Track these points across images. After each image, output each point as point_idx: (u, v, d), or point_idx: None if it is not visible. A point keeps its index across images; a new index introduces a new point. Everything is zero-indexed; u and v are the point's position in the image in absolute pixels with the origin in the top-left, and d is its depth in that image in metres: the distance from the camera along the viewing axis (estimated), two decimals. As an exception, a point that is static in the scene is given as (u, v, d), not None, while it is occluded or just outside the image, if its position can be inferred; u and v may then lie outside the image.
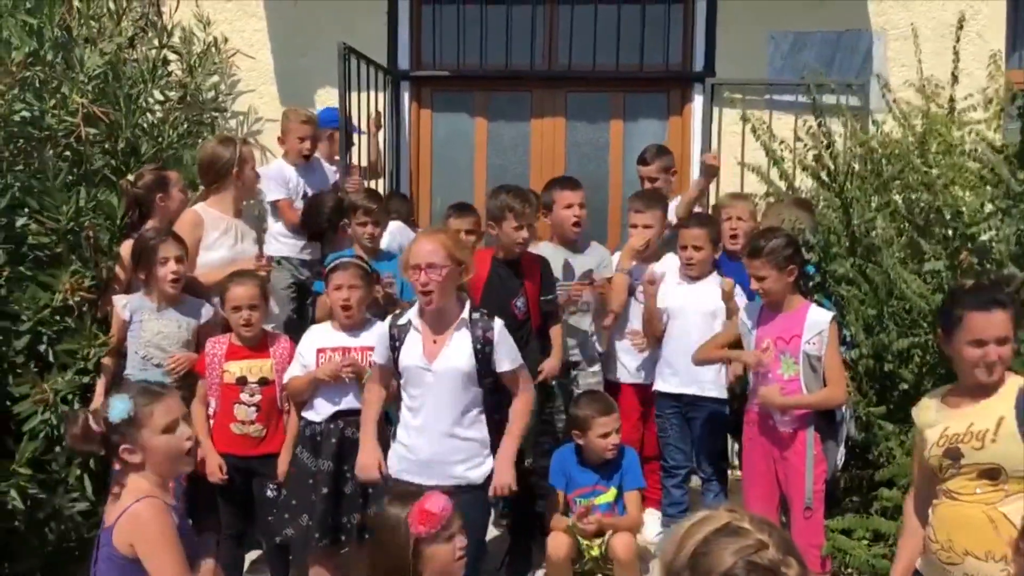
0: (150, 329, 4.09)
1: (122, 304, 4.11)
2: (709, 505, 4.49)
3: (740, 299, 4.44)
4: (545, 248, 4.74)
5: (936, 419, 2.86)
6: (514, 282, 4.38)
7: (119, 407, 2.67)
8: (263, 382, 4.02)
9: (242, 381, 4.02)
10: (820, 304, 4.15)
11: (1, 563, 3.97)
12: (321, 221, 4.96)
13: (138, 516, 2.56)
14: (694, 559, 1.59)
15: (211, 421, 4.05)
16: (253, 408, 4.01)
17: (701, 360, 4.32)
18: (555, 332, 4.51)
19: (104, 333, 4.17)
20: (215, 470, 3.98)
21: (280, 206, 5.22)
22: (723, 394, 4.57)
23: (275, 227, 5.28)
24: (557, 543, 4.08)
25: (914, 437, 3.03)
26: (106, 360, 4.14)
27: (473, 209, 4.87)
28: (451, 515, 2.67)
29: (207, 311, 4.22)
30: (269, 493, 3.99)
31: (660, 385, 4.69)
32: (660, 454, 4.76)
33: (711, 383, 4.54)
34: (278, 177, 5.25)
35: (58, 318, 4.11)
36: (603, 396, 4.37)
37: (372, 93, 5.87)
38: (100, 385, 4.13)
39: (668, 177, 5.20)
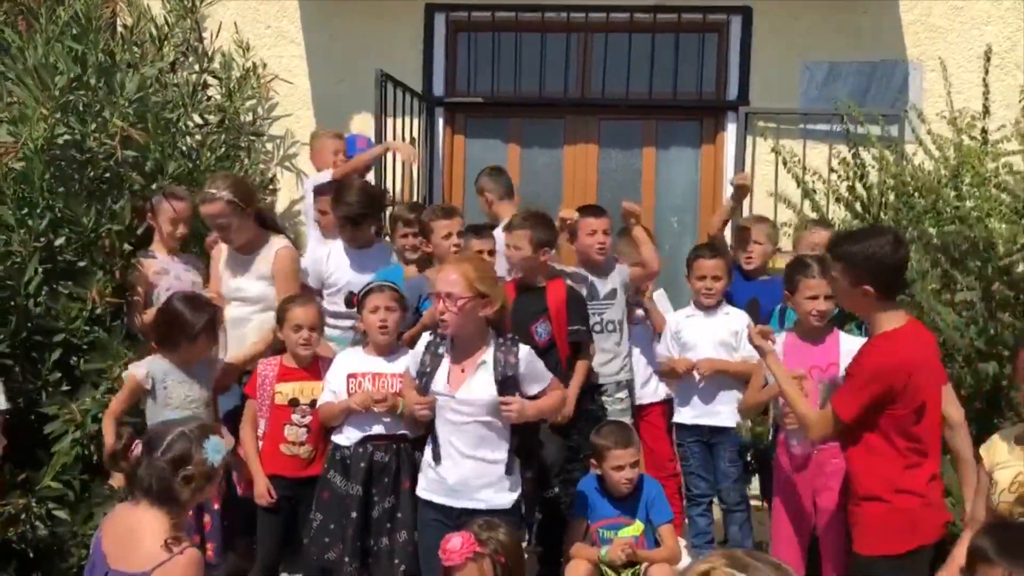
0: (178, 395, 3.94)
1: (143, 373, 3.89)
2: (733, 536, 4.49)
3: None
4: (569, 272, 4.78)
5: (1008, 459, 2.78)
6: (535, 307, 4.34)
7: (218, 450, 2.65)
8: (314, 404, 4.04)
9: (294, 403, 4.05)
10: (849, 332, 4.12)
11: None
12: (352, 204, 4.68)
13: (185, 571, 2.49)
14: None
15: (260, 442, 4.08)
16: (304, 430, 4.04)
17: (750, 411, 4.28)
18: (580, 368, 4.41)
19: (128, 350, 4.20)
20: (263, 492, 3.99)
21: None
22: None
23: None
24: (574, 571, 4.06)
25: (979, 474, 2.96)
26: (107, 424, 3.90)
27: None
28: (464, 565, 2.81)
29: (218, 363, 4.16)
30: (312, 516, 3.97)
31: (678, 417, 4.70)
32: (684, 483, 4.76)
33: (729, 414, 4.54)
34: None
35: (87, 328, 4.20)
36: (623, 428, 4.29)
37: (407, 119, 5.95)
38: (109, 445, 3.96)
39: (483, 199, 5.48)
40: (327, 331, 4.50)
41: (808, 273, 4.01)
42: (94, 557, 2.66)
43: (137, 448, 2.62)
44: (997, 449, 2.84)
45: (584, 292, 4.60)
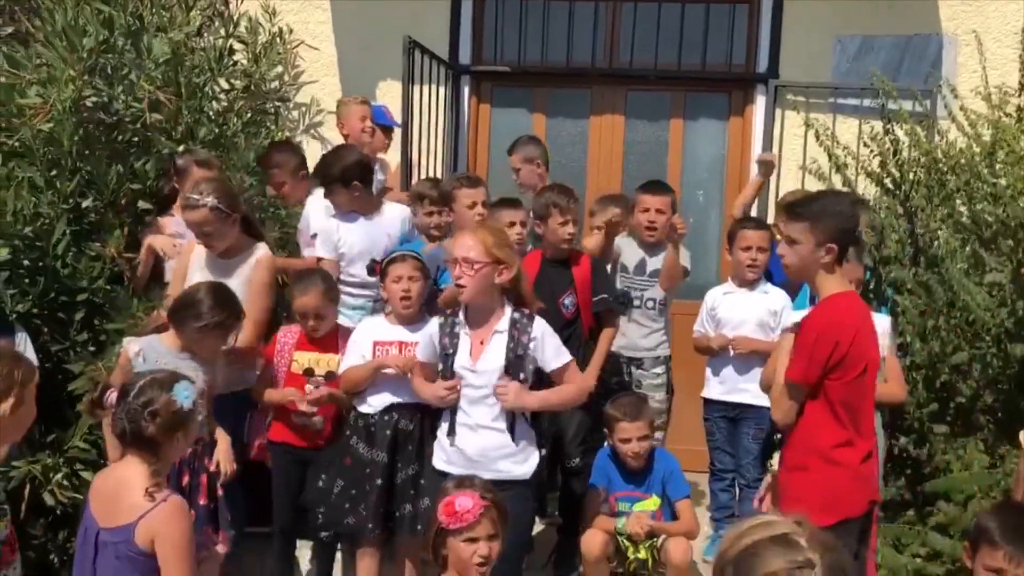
0: None
1: (135, 350, 3.71)
2: (747, 512, 4.50)
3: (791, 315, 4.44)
4: (623, 242, 4.77)
5: None
6: (563, 279, 4.35)
7: (187, 393, 2.72)
8: (329, 376, 4.05)
9: (309, 372, 4.06)
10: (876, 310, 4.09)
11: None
12: (334, 171, 4.53)
13: (170, 517, 2.58)
14: (742, 556, 1.64)
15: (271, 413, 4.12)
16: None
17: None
18: (604, 336, 4.43)
19: (142, 311, 4.18)
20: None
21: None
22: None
23: None
24: (590, 541, 4.09)
25: (1019, 463, 2.92)
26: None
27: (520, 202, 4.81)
28: (477, 522, 2.73)
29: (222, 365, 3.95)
30: (321, 484, 4.02)
31: (706, 392, 4.69)
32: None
33: (757, 392, 4.49)
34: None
35: (107, 288, 4.22)
36: (636, 401, 4.31)
37: (433, 87, 5.91)
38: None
39: (532, 168, 5.30)
40: (347, 299, 4.49)
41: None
42: (85, 521, 2.72)
43: (112, 396, 2.71)
44: None
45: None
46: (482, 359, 3.50)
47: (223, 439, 3.86)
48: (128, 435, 2.67)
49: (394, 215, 4.73)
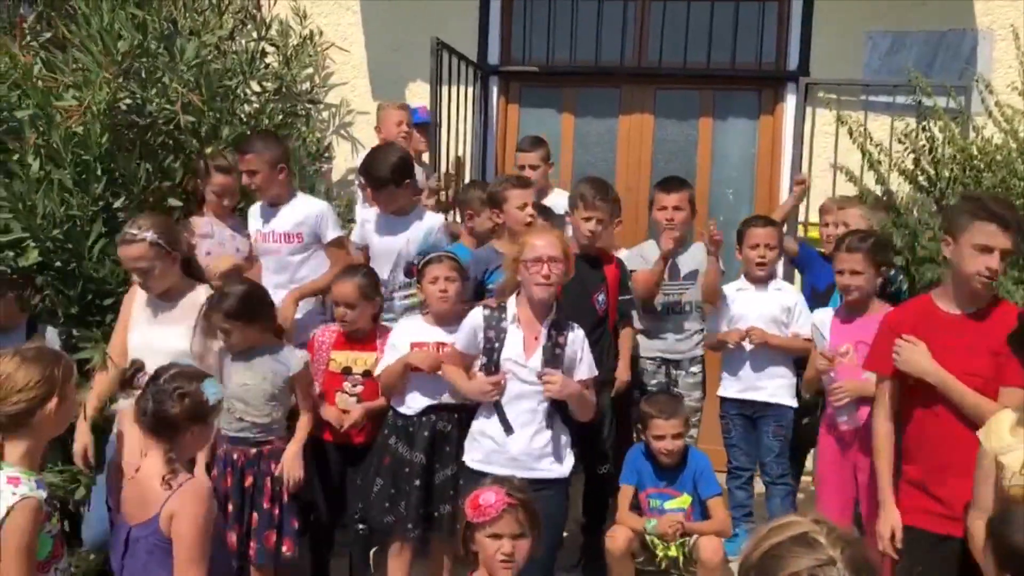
0: (237, 379, 3.83)
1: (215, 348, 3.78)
2: (774, 510, 4.47)
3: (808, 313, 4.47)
4: (648, 245, 4.78)
5: (1012, 443, 2.69)
6: (595, 277, 4.35)
7: (215, 390, 2.79)
8: (367, 374, 4.07)
9: (347, 371, 4.09)
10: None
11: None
12: (383, 171, 4.45)
13: (186, 497, 2.63)
14: (764, 560, 1.65)
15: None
16: (354, 399, 4.08)
17: (810, 385, 4.27)
18: (625, 336, 4.50)
19: None
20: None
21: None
22: (787, 400, 4.54)
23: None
24: (614, 537, 4.09)
25: (980, 460, 2.84)
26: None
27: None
28: (500, 518, 2.73)
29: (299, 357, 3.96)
30: (360, 481, 4.05)
31: (722, 391, 4.69)
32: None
33: (774, 390, 4.53)
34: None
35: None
36: (672, 399, 4.34)
37: (461, 87, 5.93)
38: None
39: (546, 168, 5.33)
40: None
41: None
42: (117, 523, 2.84)
43: (143, 378, 2.82)
44: (998, 431, 2.76)
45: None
46: (535, 355, 3.53)
47: (293, 444, 3.88)
48: (150, 415, 2.73)
49: (424, 225, 4.57)
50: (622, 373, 4.44)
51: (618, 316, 4.46)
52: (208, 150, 4.65)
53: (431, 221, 4.62)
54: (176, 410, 2.71)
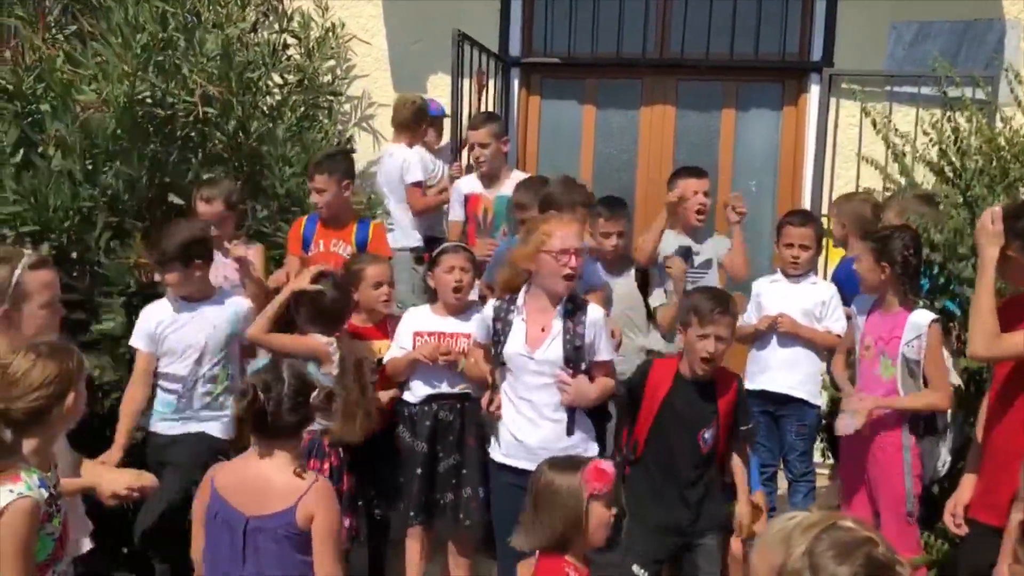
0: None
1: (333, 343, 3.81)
2: (797, 505, 4.44)
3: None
4: (667, 236, 4.71)
5: None
6: (705, 409, 3.58)
7: (315, 372, 2.92)
8: (380, 363, 4.07)
9: None
10: (940, 309, 3.99)
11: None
12: (171, 248, 3.78)
13: (324, 496, 2.67)
14: (809, 557, 1.59)
15: None
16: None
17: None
18: (738, 468, 3.71)
19: None
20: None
21: (410, 190, 5.43)
22: (812, 397, 4.50)
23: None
24: None
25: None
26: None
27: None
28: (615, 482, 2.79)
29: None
30: (375, 470, 4.04)
31: (748, 384, 4.61)
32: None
33: (798, 385, 4.47)
34: (420, 162, 5.51)
35: (145, 294, 4.20)
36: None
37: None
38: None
39: (499, 145, 5.13)
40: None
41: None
42: (222, 514, 2.70)
43: (259, 398, 2.66)
44: None
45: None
46: (542, 347, 3.50)
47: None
48: (282, 427, 2.69)
49: (229, 306, 3.95)
50: (744, 515, 3.64)
51: (726, 449, 3.69)
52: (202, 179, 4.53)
53: (235, 305, 4.00)
54: (294, 420, 2.71)
